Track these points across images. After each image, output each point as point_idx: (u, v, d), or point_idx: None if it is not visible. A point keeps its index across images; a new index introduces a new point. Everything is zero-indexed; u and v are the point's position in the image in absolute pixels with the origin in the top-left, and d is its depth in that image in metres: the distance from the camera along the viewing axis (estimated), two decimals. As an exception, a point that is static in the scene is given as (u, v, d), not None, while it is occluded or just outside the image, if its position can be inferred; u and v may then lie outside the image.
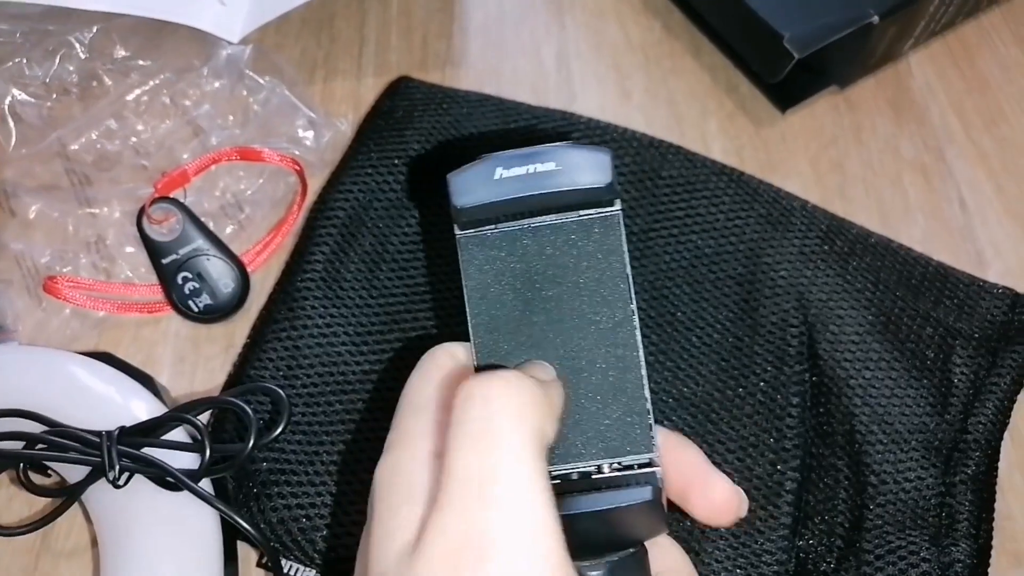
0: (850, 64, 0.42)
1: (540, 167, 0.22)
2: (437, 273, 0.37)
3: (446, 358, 0.23)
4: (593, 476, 0.22)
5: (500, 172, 0.22)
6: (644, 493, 0.21)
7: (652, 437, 0.22)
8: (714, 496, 0.24)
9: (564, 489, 0.22)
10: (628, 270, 0.23)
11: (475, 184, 0.22)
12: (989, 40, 0.45)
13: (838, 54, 0.41)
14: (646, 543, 0.23)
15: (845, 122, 0.43)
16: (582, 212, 0.23)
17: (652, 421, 0.22)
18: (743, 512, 0.25)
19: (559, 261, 0.23)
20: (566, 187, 0.22)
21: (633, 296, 0.23)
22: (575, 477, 0.22)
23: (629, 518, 0.22)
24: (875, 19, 0.39)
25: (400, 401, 0.23)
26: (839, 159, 0.41)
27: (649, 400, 0.22)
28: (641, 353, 0.22)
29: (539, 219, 0.23)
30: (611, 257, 0.23)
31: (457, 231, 0.23)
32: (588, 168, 0.22)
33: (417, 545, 0.19)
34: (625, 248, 0.23)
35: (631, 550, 0.22)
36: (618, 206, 0.23)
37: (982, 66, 0.44)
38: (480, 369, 0.23)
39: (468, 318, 0.23)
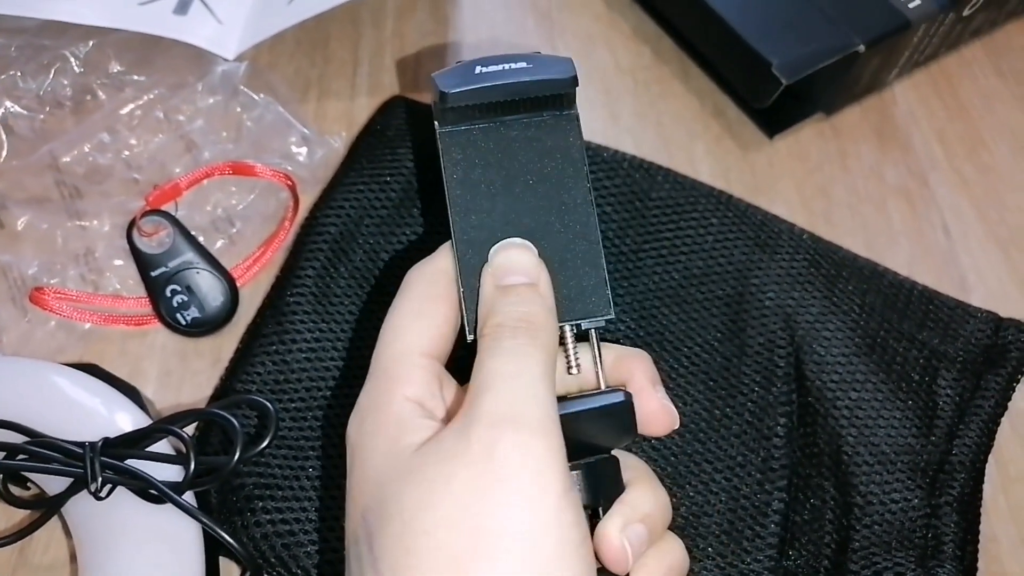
0: (836, 92, 0.43)
1: (514, 65, 0.25)
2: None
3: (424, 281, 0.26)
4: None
5: (480, 69, 0.25)
6: (618, 396, 0.25)
7: (610, 302, 0.26)
8: (648, 407, 0.26)
9: None
10: (585, 160, 0.26)
11: (458, 77, 0.25)
12: (971, 71, 0.46)
13: (825, 81, 0.42)
14: (615, 451, 0.26)
15: (831, 148, 0.43)
16: (546, 112, 0.26)
17: (609, 290, 0.26)
18: (674, 425, 0.27)
19: (527, 155, 0.26)
20: (538, 78, 0.25)
21: (590, 180, 0.26)
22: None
23: (604, 420, 0.25)
24: (861, 48, 0.40)
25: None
26: (824, 184, 0.42)
27: (606, 270, 0.26)
28: (598, 229, 0.26)
29: (510, 118, 0.26)
30: (571, 150, 0.26)
31: (438, 128, 0.26)
32: (555, 66, 0.26)
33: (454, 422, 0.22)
34: (582, 142, 0.27)
35: (604, 455, 0.25)
36: (575, 109, 0.27)
37: (964, 96, 0.45)
38: (460, 252, 0.26)
39: (448, 205, 0.25)
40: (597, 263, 0.26)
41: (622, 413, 0.25)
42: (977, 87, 0.46)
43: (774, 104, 0.40)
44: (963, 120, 0.44)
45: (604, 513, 0.24)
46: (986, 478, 0.33)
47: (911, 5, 0.41)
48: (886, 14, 0.41)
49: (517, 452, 0.21)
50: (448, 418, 0.24)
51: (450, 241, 0.26)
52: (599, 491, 0.24)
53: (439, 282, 0.26)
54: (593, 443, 0.25)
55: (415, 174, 0.40)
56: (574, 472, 0.24)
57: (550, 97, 0.26)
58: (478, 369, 0.23)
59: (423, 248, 0.38)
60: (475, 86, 0.25)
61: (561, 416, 0.23)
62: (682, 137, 0.43)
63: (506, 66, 0.25)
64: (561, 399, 0.24)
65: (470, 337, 0.25)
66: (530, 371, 0.23)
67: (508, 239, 0.25)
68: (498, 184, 0.26)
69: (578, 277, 0.26)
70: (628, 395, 0.26)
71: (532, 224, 0.26)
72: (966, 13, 0.43)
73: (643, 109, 0.44)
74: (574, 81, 0.26)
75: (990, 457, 0.33)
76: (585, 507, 0.24)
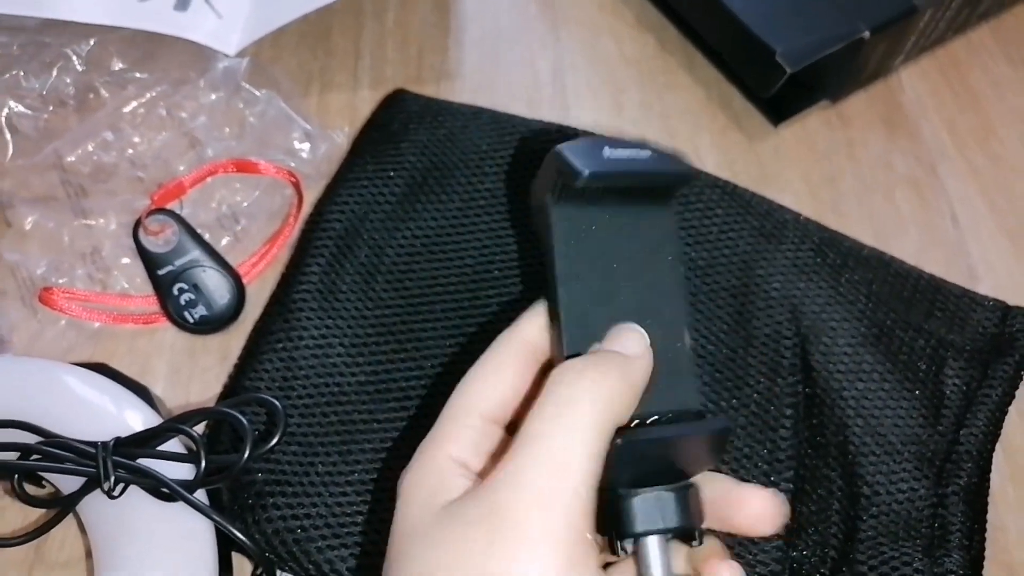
0: (842, 79, 0.42)
1: (641, 154, 0.25)
2: (433, 284, 0.37)
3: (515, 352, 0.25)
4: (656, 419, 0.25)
5: (608, 152, 0.25)
6: (723, 422, 0.25)
7: (698, 394, 0.26)
8: (753, 506, 0.25)
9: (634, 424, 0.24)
10: (681, 252, 0.28)
11: (589, 158, 0.24)
12: (979, 57, 0.46)
13: (830, 69, 0.41)
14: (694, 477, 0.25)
15: (838, 137, 0.43)
16: (651, 202, 0.26)
17: (697, 382, 0.26)
18: (786, 513, 0.25)
19: (629, 240, 0.26)
20: (664, 170, 0.26)
21: (684, 270, 0.27)
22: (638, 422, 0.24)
23: (698, 448, 0.24)
24: (866, 34, 0.39)
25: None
26: (832, 173, 0.42)
27: (695, 364, 0.26)
28: (687, 322, 0.26)
29: (620, 202, 0.25)
30: (669, 241, 0.26)
31: (552, 201, 0.25)
32: (675, 160, 0.26)
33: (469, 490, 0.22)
34: (678, 235, 0.28)
35: (687, 481, 0.24)
36: (674, 204, 0.27)
37: (973, 83, 0.45)
38: (568, 328, 0.25)
39: (556, 280, 0.25)
40: (685, 353, 0.26)
41: (721, 441, 0.24)
42: (987, 74, 0.45)
43: (779, 92, 0.40)
44: (973, 108, 0.44)
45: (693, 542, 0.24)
46: (994, 467, 0.33)
47: (918, -10, 0.41)
48: (892, -1, 0.41)
49: (537, 517, 0.21)
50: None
51: (540, 309, 0.26)
52: (685, 517, 0.24)
53: (521, 350, 0.25)
54: (677, 469, 0.24)
55: (418, 168, 0.40)
56: (653, 494, 0.23)
57: (664, 188, 0.26)
58: (527, 418, 0.23)
59: (428, 242, 0.38)
60: (608, 170, 0.24)
61: (653, 440, 0.23)
62: (688, 127, 0.43)
63: (634, 153, 0.25)
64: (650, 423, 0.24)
65: None
66: (573, 426, 0.22)
67: (626, 323, 0.25)
68: (600, 265, 0.25)
69: (667, 366, 0.25)
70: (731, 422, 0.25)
71: (634, 308, 0.25)
72: (974, -3, 0.43)
73: (648, 100, 0.44)
74: (690, 175, 0.26)
75: (998, 446, 0.33)
76: (664, 531, 0.23)
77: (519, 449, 0.22)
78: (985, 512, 0.32)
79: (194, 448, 0.29)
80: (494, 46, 0.46)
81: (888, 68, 0.44)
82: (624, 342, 0.24)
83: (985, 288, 0.38)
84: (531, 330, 0.26)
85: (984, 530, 0.32)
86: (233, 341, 0.37)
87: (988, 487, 0.33)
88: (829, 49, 0.39)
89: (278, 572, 0.30)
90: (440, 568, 0.21)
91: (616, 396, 0.23)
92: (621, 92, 0.45)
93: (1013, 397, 0.34)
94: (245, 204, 0.39)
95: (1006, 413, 0.34)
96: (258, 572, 0.31)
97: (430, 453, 0.24)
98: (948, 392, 0.34)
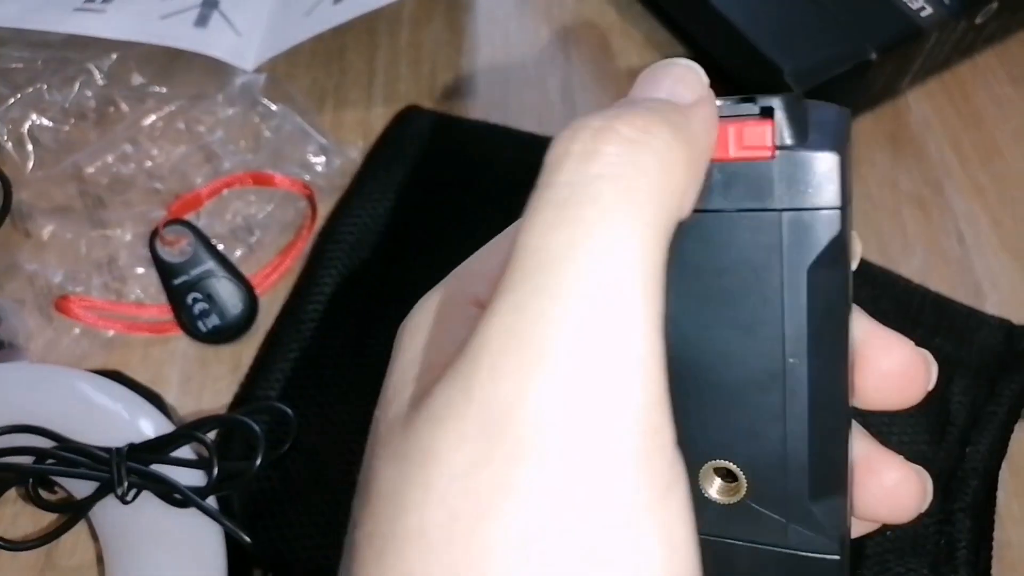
0: (849, 99, 0.43)
1: None
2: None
3: None
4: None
5: None
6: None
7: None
8: (892, 477, 0.18)
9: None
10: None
11: None
12: (984, 79, 0.46)
13: (837, 89, 0.42)
14: None
15: (844, 155, 0.43)
16: None
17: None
18: (928, 498, 0.19)
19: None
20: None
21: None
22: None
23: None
24: (873, 55, 0.40)
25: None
26: (838, 191, 0.42)
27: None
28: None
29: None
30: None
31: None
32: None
33: (461, 349, 0.14)
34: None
35: None
36: None
37: (978, 104, 0.45)
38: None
39: None
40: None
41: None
42: (991, 95, 0.46)
43: (787, 112, 0.41)
44: (977, 128, 0.44)
45: None
46: (1000, 484, 0.33)
47: (923, 13, 0.42)
48: (898, 21, 0.41)
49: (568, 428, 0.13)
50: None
51: None
52: None
53: None
54: None
55: (431, 182, 0.40)
56: None
57: None
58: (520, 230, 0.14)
59: (440, 256, 0.38)
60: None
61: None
62: (695, 145, 0.44)
63: None
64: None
65: None
66: (614, 231, 0.13)
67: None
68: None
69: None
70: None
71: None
72: (978, 21, 0.44)
73: (656, 117, 0.45)
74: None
75: (1004, 463, 0.33)
76: None
77: (517, 283, 0.13)
78: (992, 529, 0.32)
79: (207, 455, 0.29)
80: (505, 65, 0.47)
81: (895, 90, 0.45)
82: (673, 86, 0.15)
83: (991, 306, 0.38)
84: None
85: (991, 547, 0.32)
86: (245, 351, 0.37)
87: (995, 504, 0.33)
88: (837, 69, 0.40)
89: (287, 579, 0.31)
90: (409, 486, 0.14)
91: (675, 172, 0.14)
92: (630, 110, 0.45)
93: (1019, 415, 0.34)
94: (259, 216, 0.40)
95: (1012, 431, 0.34)
96: (267, 580, 0.31)
97: (438, 294, 0.18)
98: (954, 409, 0.34)
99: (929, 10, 0.42)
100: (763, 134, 0.16)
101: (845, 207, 0.16)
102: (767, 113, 0.16)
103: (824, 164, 0.16)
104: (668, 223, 0.14)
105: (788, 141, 0.16)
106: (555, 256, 0.13)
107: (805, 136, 0.16)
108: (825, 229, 0.16)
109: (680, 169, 0.14)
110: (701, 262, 0.17)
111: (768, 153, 0.16)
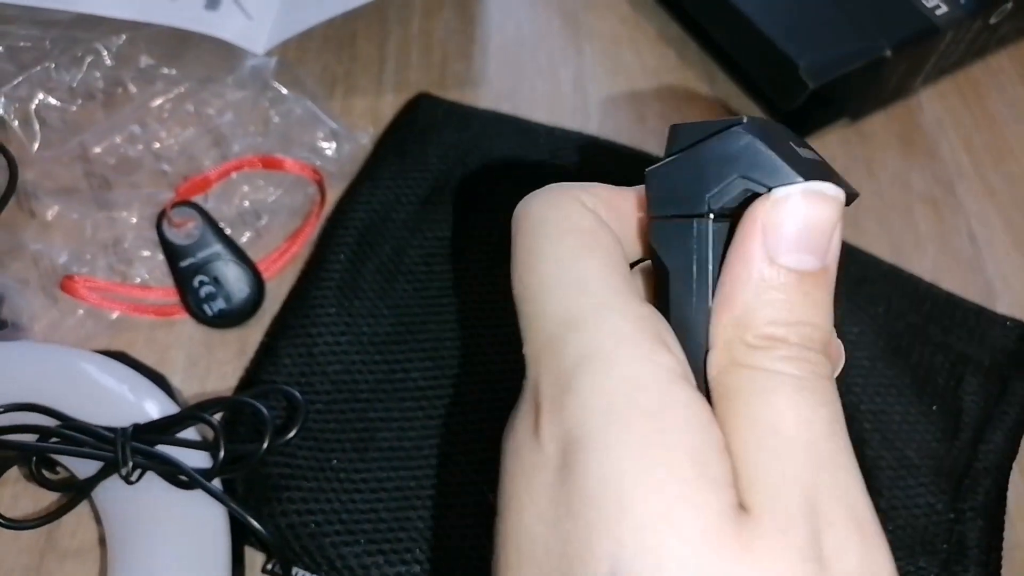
0: (862, 97, 0.43)
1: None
2: (452, 286, 0.37)
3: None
4: None
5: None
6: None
7: None
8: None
9: None
10: None
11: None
12: (997, 81, 0.46)
13: (851, 86, 0.42)
14: None
15: (856, 154, 0.43)
16: None
17: None
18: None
19: None
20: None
21: None
22: None
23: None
24: (888, 53, 0.40)
25: None
26: (850, 189, 0.42)
27: None
28: None
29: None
30: None
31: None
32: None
33: None
34: None
35: None
36: None
37: (990, 105, 0.45)
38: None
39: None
40: None
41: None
42: (1004, 96, 0.46)
43: (800, 109, 0.41)
44: (990, 129, 0.44)
45: None
46: (1011, 484, 0.33)
47: (939, 11, 0.42)
48: (914, 19, 0.41)
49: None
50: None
51: None
52: None
53: None
54: None
55: (441, 170, 0.40)
56: None
57: None
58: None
59: (448, 244, 0.38)
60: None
61: None
62: (707, 139, 0.43)
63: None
64: None
65: None
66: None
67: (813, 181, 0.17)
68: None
69: None
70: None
71: None
72: (992, 21, 0.43)
73: (669, 112, 0.45)
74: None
75: (1015, 464, 0.33)
76: None
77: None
78: (1002, 529, 0.32)
79: (213, 436, 0.29)
80: (517, 55, 0.47)
81: (908, 89, 0.45)
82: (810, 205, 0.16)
83: (1002, 305, 0.38)
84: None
85: (1001, 547, 0.32)
86: (251, 336, 0.37)
87: (1006, 504, 0.32)
88: (852, 65, 0.40)
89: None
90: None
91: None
92: (642, 103, 0.45)
93: (1031, 415, 0.34)
94: (268, 200, 0.39)
95: (1023, 431, 0.34)
96: (269, 566, 0.31)
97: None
98: (966, 408, 0.34)
99: (945, 8, 0.42)
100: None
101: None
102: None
103: None
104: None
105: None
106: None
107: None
108: None
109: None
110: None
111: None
